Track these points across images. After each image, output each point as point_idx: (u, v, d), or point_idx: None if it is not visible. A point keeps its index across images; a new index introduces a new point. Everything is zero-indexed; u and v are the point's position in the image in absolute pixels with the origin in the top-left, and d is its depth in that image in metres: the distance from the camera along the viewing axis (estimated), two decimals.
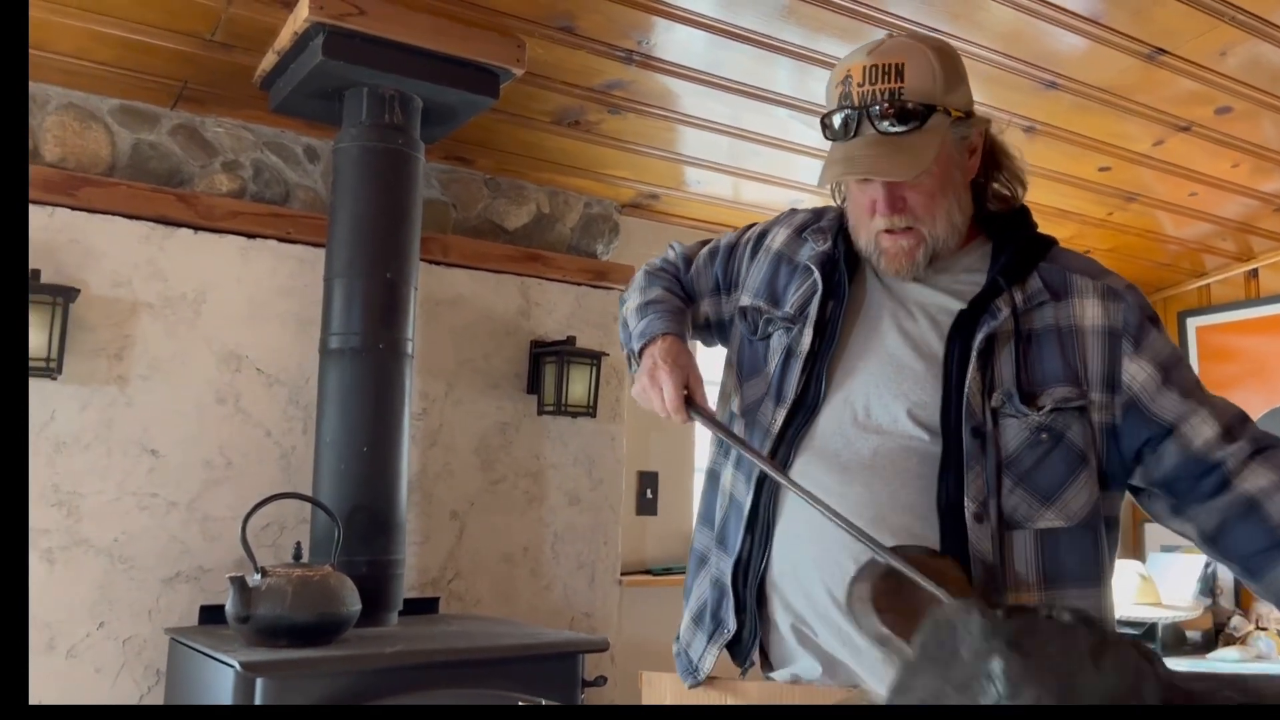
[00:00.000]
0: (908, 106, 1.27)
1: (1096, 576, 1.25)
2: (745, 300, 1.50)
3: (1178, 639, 3.68)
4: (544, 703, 1.21)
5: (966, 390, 1.26)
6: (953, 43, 2.38)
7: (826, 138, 1.35)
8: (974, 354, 1.28)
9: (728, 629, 1.36)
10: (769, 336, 1.44)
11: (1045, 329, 1.31)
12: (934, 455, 1.27)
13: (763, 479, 1.36)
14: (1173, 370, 1.31)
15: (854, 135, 1.30)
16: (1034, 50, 2.47)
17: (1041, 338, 1.30)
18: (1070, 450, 1.27)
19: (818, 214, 1.53)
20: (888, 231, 1.33)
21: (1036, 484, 1.26)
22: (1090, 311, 1.31)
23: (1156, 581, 3.83)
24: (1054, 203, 3.49)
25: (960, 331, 1.31)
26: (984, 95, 2.70)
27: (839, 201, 1.49)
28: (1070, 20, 2.32)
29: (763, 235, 1.54)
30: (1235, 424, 1.30)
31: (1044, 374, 1.28)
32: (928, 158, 1.27)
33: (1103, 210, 3.59)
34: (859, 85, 1.30)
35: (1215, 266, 4.27)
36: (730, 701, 1.36)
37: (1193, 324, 4.37)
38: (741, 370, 1.48)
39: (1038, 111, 2.81)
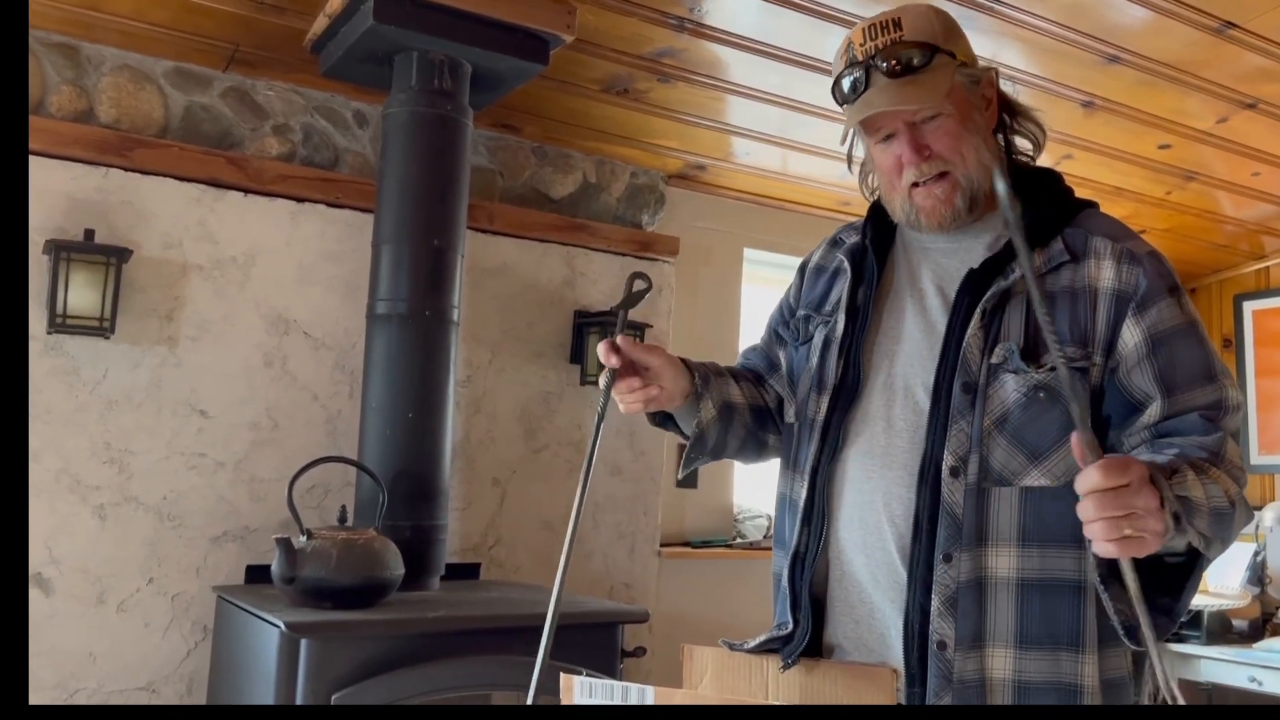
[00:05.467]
0: (910, 49, 1.30)
1: (1078, 538, 1.19)
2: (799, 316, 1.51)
3: (1224, 627, 3.61)
4: (584, 673, 1.21)
5: (964, 346, 1.28)
6: (1014, 14, 2.36)
7: (840, 103, 1.38)
8: (978, 312, 1.28)
9: (785, 625, 1.37)
10: (811, 337, 1.46)
11: (1060, 290, 1.29)
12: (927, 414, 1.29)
13: (817, 471, 1.36)
14: (1162, 346, 1.26)
15: (864, 90, 1.32)
16: (1097, 22, 2.41)
17: (1055, 299, 1.29)
18: (1066, 411, 1.24)
19: (849, 224, 1.57)
20: (918, 185, 1.34)
21: (1026, 441, 1.26)
22: (1106, 273, 1.29)
23: None
24: (1111, 180, 3.41)
25: (969, 291, 1.31)
26: (1041, 69, 2.64)
27: (868, 194, 1.49)
28: None
29: (804, 264, 1.58)
30: (1172, 419, 1.24)
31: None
32: (940, 91, 1.29)
33: (1160, 189, 3.51)
34: (860, 45, 1.34)
35: (1275, 249, 4.16)
36: (769, 673, 1.36)
37: (1249, 307, 4.27)
38: (793, 379, 1.49)
39: (1098, 86, 2.74)
